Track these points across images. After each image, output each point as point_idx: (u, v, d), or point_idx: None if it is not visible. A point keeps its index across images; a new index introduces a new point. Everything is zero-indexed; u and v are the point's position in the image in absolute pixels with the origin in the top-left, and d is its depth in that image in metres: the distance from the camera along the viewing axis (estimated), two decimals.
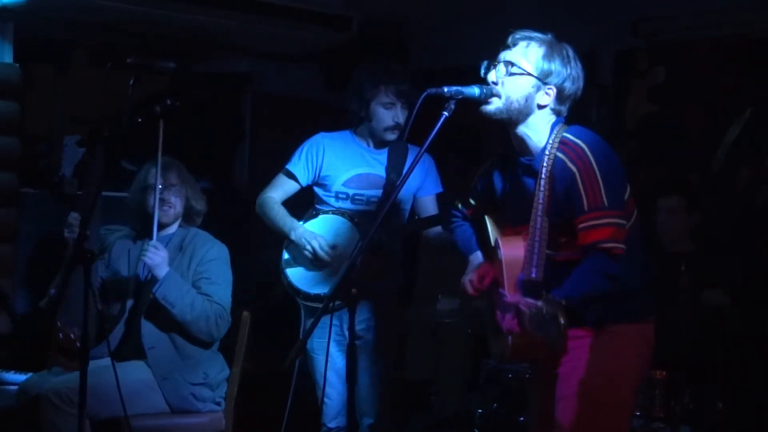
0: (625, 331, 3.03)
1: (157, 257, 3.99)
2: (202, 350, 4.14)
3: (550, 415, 3.05)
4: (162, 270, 4.01)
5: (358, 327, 4.04)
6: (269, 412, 4.39)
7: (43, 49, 5.67)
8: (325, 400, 4.20)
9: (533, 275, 2.93)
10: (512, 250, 3.04)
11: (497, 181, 3.20)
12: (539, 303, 2.72)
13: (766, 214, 4.85)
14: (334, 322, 4.03)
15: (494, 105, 2.99)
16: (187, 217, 4.28)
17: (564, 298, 2.77)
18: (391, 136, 4.19)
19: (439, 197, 4.34)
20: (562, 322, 2.62)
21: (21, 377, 4.20)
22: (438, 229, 4.22)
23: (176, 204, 4.20)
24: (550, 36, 3.03)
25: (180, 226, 4.27)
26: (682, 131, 5.18)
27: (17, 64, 5.09)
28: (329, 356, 4.08)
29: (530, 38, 3.02)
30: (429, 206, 4.32)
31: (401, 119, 4.15)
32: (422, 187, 4.30)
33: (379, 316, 4.24)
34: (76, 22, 5.22)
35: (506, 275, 3.02)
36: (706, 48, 5.12)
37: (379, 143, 4.25)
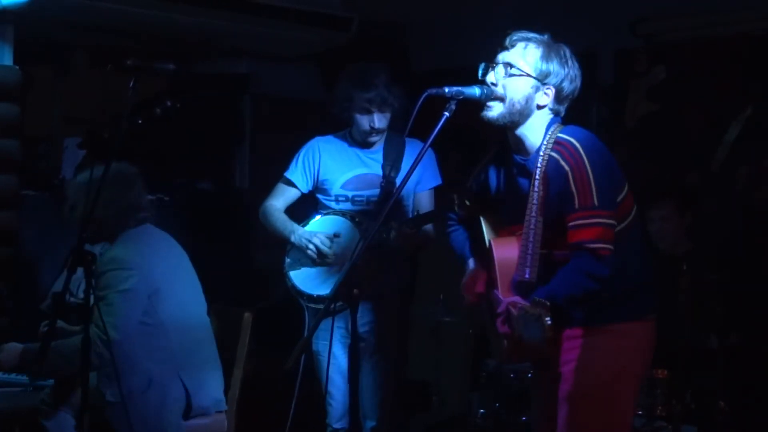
0: (629, 329, 3.03)
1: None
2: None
3: (553, 415, 3.04)
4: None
5: (361, 329, 4.03)
6: (273, 413, 4.39)
7: (42, 51, 5.67)
8: (330, 401, 4.19)
9: (526, 276, 2.94)
10: (505, 252, 3.04)
11: (492, 180, 3.21)
12: (524, 304, 2.77)
13: (765, 214, 4.85)
14: (340, 324, 4.03)
15: (496, 110, 3.00)
16: (101, 230, 3.80)
17: (547, 297, 2.80)
18: (372, 139, 4.20)
19: (438, 190, 4.33)
20: (548, 322, 2.67)
21: (21, 378, 4.19)
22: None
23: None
24: (547, 36, 3.05)
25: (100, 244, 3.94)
26: (681, 131, 5.18)
27: (17, 66, 5.08)
28: (335, 358, 4.09)
29: (528, 39, 3.03)
30: (426, 201, 4.31)
31: (378, 124, 4.14)
32: (421, 182, 4.29)
33: (382, 316, 4.24)
34: (76, 24, 5.22)
35: (499, 276, 3.03)
36: (705, 47, 5.12)
37: (369, 143, 4.25)
